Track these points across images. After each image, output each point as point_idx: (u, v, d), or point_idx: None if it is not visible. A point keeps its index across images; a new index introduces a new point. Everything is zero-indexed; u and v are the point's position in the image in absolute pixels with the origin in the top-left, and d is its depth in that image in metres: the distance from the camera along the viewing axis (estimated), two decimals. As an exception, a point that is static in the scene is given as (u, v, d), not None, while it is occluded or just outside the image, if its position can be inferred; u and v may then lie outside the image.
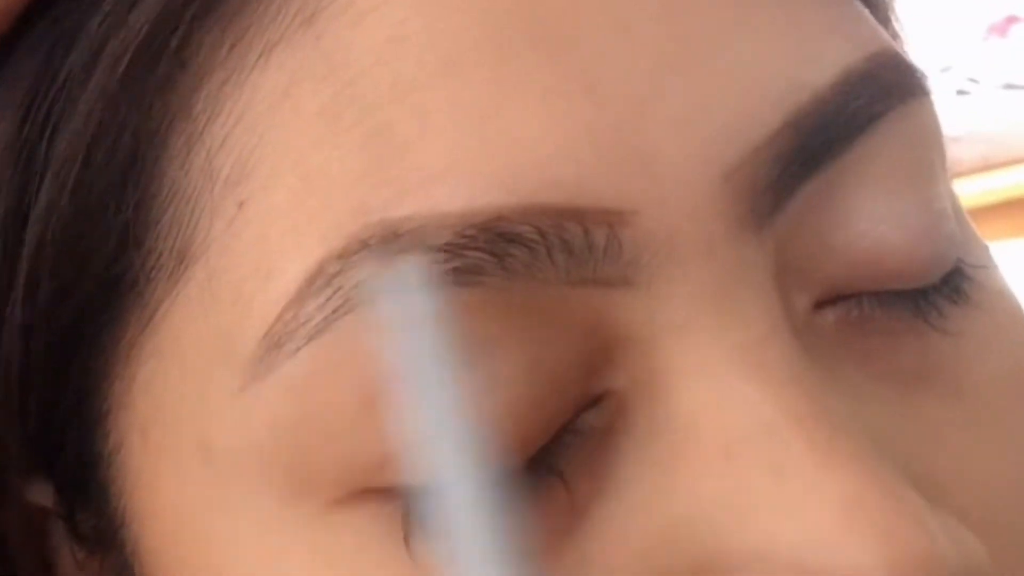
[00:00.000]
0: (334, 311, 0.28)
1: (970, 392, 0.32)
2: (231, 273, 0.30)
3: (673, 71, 0.29)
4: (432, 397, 0.23)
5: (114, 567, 0.33)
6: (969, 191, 1.65)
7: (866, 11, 0.32)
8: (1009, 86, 1.83)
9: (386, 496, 0.29)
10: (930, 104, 0.32)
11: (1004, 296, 0.34)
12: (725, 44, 0.30)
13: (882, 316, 0.31)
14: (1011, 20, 1.85)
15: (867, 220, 0.31)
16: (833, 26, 0.31)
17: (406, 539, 0.29)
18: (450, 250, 0.28)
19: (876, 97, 0.31)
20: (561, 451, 0.29)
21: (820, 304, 0.31)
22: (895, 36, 0.37)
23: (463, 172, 0.28)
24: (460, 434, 0.23)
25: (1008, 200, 1.70)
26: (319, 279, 0.28)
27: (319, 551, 0.29)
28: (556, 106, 0.28)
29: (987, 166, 1.72)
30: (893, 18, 0.37)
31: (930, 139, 0.32)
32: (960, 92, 1.81)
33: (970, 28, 1.85)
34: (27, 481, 0.34)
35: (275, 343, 0.29)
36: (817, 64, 0.30)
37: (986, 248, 0.34)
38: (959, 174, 1.72)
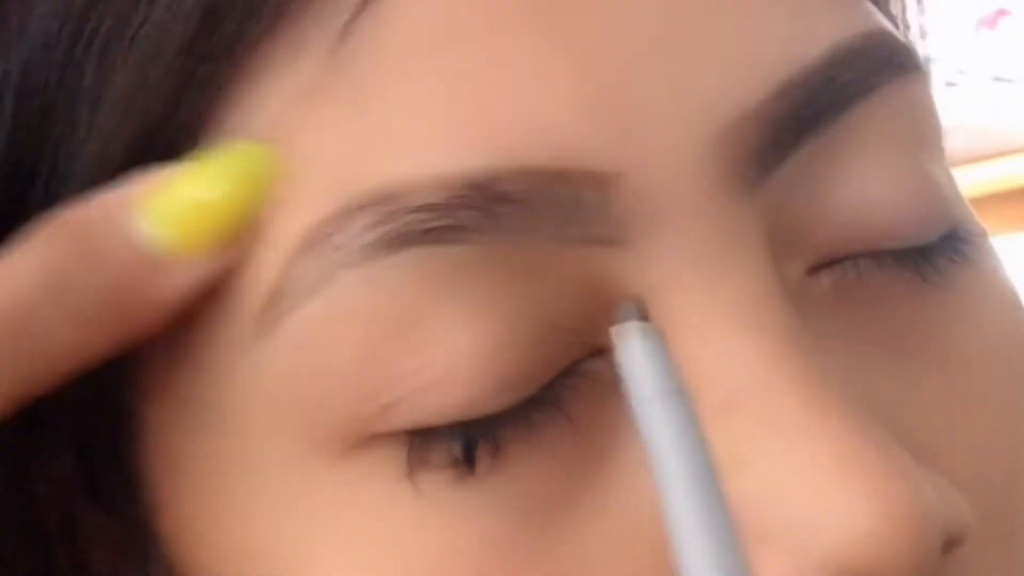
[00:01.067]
0: (330, 268, 0.29)
1: (960, 356, 0.32)
2: None
3: (664, 40, 0.30)
4: (670, 441, 0.26)
5: (136, 529, 0.34)
6: (958, 183, 1.65)
7: None
8: (998, 78, 1.83)
9: (389, 439, 0.30)
10: (924, 81, 0.33)
11: (998, 270, 0.34)
12: (717, 17, 0.30)
13: (879, 277, 0.32)
14: (1001, 13, 1.86)
15: (858, 184, 0.31)
16: (826, 5, 0.32)
17: (409, 475, 0.30)
18: (443, 209, 0.29)
19: (867, 72, 0.31)
20: (566, 392, 0.30)
21: (815, 269, 0.31)
22: (892, 21, 0.37)
23: (455, 136, 0.29)
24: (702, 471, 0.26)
25: (997, 192, 1.71)
26: (315, 238, 0.29)
27: (332, 500, 0.30)
28: (546, 72, 0.29)
29: (975, 158, 1.73)
30: (892, 6, 0.37)
31: (923, 112, 0.33)
32: (949, 84, 1.82)
33: (960, 20, 1.86)
34: (49, 449, 0.34)
35: (279, 299, 0.30)
36: (809, 39, 0.31)
37: (982, 227, 0.35)
38: (948, 165, 1.72)
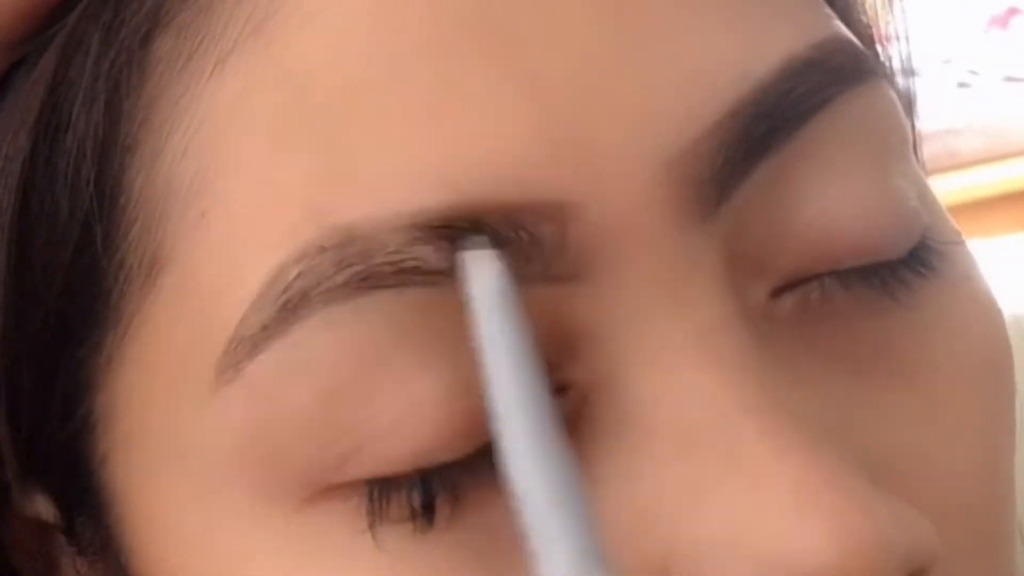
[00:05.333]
0: (292, 313, 0.29)
1: (928, 374, 0.32)
2: (197, 281, 0.30)
3: (614, 64, 0.29)
4: (506, 367, 0.27)
5: (112, 574, 0.34)
6: (969, 183, 1.65)
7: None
8: (1010, 78, 1.83)
9: (349, 490, 0.29)
10: (883, 89, 0.32)
11: (971, 277, 0.34)
12: (667, 36, 0.30)
13: (844, 296, 0.31)
14: (1012, 12, 1.86)
15: (820, 203, 0.31)
16: (777, 15, 0.31)
17: (370, 527, 0.29)
18: (404, 250, 0.28)
19: (822, 83, 0.31)
20: None
21: (778, 291, 0.31)
22: (856, 21, 0.36)
23: (410, 173, 0.29)
24: (531, 398, 0.27)
25: (1008, 192, 1.71)
26: (278, 283, 0.29)
27: (291, 552, 0.30)
28: (499, 103, 0.29)
29: (987, 158, 1.73)
30: (856, 7, 0.37)
31: (884, 122, 0.32)
32: (961, 84, 1.82)
33: (971, 20, 1.85)
34: (25, 494, 0.34)
35: (238, 346, 0.29)
36: (760, 53, 0.30)
37: (957, 231, 0.34)
38: (960, 166, 1.72)
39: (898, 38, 0.38)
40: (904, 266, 0.32)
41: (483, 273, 0.28)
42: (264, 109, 0.30)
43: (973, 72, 1.83)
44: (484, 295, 0.28)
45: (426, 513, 0.29)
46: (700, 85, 0.29)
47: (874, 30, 0.37)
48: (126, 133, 0.31)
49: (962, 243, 0.34)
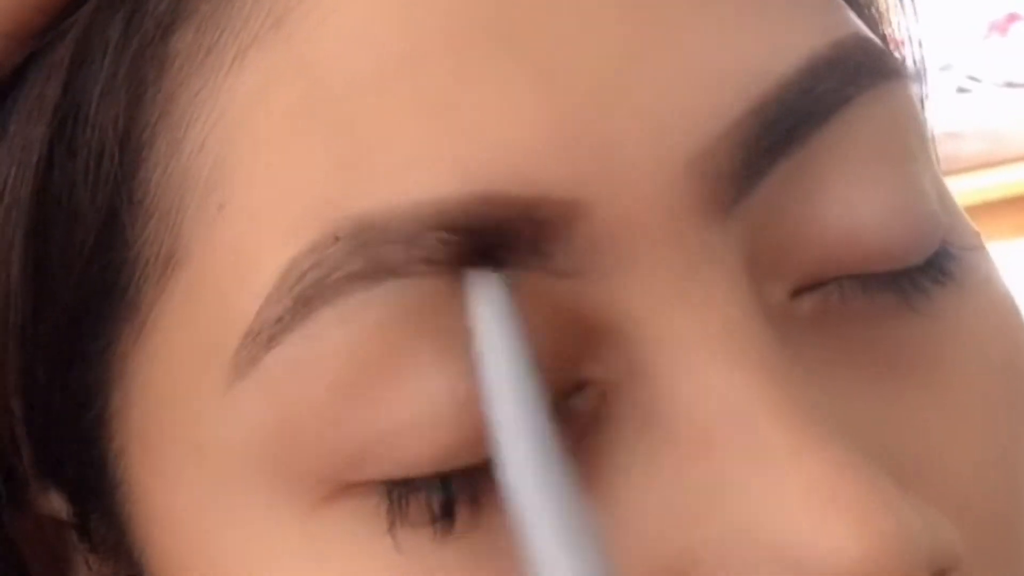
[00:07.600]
0: (307, 305, 0.29)
1: (949, 377, 0.32)
2: (214, 274, 0.30)
3: (634, 60, 0.29)
4: (507, 390, 0.27)
5: (126, 573, 0.34)
6: (969, 188, 1.65)
7: None
8: (1010, 84, 1.83)
9: (367, 490, 0.29)
10: (904, 87, 0.32)
11: (991, 281, 0.33)
12: (687, 33, 0.30)
13: (863, 300, 0.31)
14: (1012, 18, 1.86)
15: (841, 203, 0.30)
16: (798, 13, 0.31)
17: (390, 530, 0.29)
18: (416, 239, 0.28)
19: (844, 82, 0.30)
20: None
21: (798, 292, 0.31)
22: (874, 21, 0.37)
23: (424, 164, 0.28)
24: (531, 422, 0.27)
25: (1008, 197, 1.71)
26: (293, 274, 0.29)
27: (308, 550, 0.30)
28: (514, 96, 0.29)
29: (987, 163, 1.73)
30: (875, 5, 0.37)
31: (905, 122, 0.32)
32: (961, 90, 1.82)
33: (971, 26, 1.86)
34: (39, 491, 0.34)
35: (253, 340, 0.29)
36: (781, 51, 0.30)
37: (976, 234, 0.34)
38: (959, 171, 1.72)
39: (907, 42, 0.38)
40: (923, 274, 0.31)
41: (487, 295, 0.28)
42: (282, 102, 0.30)
43: (973, 78, 1.83)
44: (487, 318, 0.28)
45: (446, 516, 0.29)
46: (720, 82, 0.29)
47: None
48: (145, 126, 0.31)
49: (981, 246, 0.34)
